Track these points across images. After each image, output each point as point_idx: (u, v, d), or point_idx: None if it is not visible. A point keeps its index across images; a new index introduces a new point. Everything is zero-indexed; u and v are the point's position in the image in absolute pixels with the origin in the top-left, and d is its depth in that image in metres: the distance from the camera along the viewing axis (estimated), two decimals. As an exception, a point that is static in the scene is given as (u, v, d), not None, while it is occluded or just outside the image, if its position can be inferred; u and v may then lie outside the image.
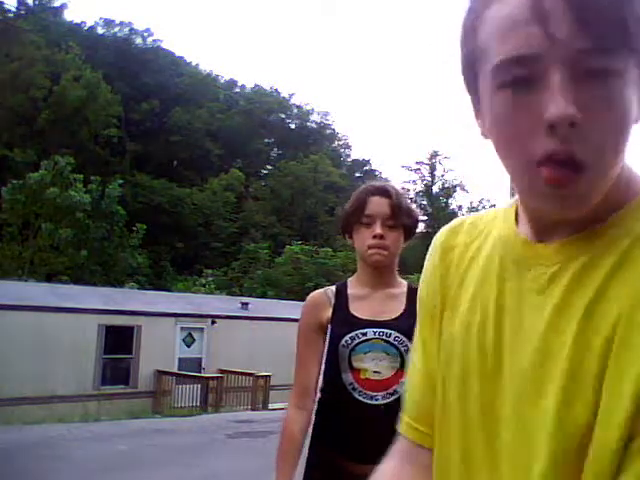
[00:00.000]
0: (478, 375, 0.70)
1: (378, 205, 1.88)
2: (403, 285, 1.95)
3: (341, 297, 1.95)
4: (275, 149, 64.16)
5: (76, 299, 16.70)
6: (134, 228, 36.07)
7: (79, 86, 42.71)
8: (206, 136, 53.23)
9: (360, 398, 1.82)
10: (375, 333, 1.86)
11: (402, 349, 1.82)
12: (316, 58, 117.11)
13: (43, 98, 41.69)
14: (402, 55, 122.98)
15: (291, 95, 67.15)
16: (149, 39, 58.43)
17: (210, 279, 35.86)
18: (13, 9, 47.91)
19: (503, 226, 0.74)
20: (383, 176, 68.83)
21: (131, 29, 57.73)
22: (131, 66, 52.04)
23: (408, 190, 65.83)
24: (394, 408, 1.67)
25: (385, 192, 1.90)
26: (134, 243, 36.35)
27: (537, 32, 0.57)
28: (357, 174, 66.24)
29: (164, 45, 72.39)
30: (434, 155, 61.88)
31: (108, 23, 57.27)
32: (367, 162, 68.29)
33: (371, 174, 66.35)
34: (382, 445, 1.63)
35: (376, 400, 1.81)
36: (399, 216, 1.88)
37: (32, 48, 42.36)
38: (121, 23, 57.61)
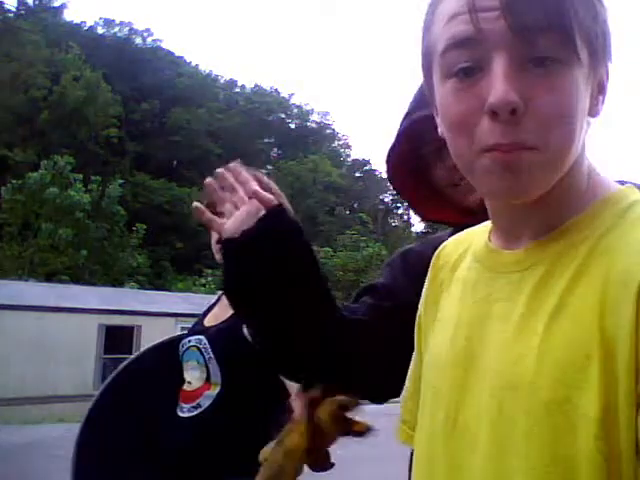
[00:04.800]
0: (449, 387, 0.67)
1: None
2: None
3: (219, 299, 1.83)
4: (275, 149, 64.15)
5: (76, 299, 16.69)
6: (134, 228, 36.05)
7: (79, 86, 42.67)
8: (206, 136, 53.20)
9: (177, 409, 1.66)
10: (192, 340, 1.67)
11: (206, 357, 1.62)
12: (316, 58, 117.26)
13: (43, 98, 41.65)
14: (402, 55, 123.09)
15: (291, 95, 67.29)
16: (149, 39, 58.48)
17: (210, 279, 35.77)
18: (13, 9, 47.95)
19: (480, 238, 0.74)
20: (383, 176, 68.86)
21: (131, 29, 57.78)
22: (131, 66, 52.00)
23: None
24: (198, 421, 1.59)
25: None
26: (134, 243, 36.32)
27: (479, 17, 0.57)
28: (357, 174, 66.28)
29: (164, 45, 72.46)
30: (434, 155, 61.95)
31: (108, 23, 57.30)
32: (367, 162, 68.28)
33: (371, 174, 66.43)
34: (182, 458, 1.53)
35: (182, 412, 1.63)
36: None
37: (32, 48, 42.32)
38: (121, 23, 57.64)
